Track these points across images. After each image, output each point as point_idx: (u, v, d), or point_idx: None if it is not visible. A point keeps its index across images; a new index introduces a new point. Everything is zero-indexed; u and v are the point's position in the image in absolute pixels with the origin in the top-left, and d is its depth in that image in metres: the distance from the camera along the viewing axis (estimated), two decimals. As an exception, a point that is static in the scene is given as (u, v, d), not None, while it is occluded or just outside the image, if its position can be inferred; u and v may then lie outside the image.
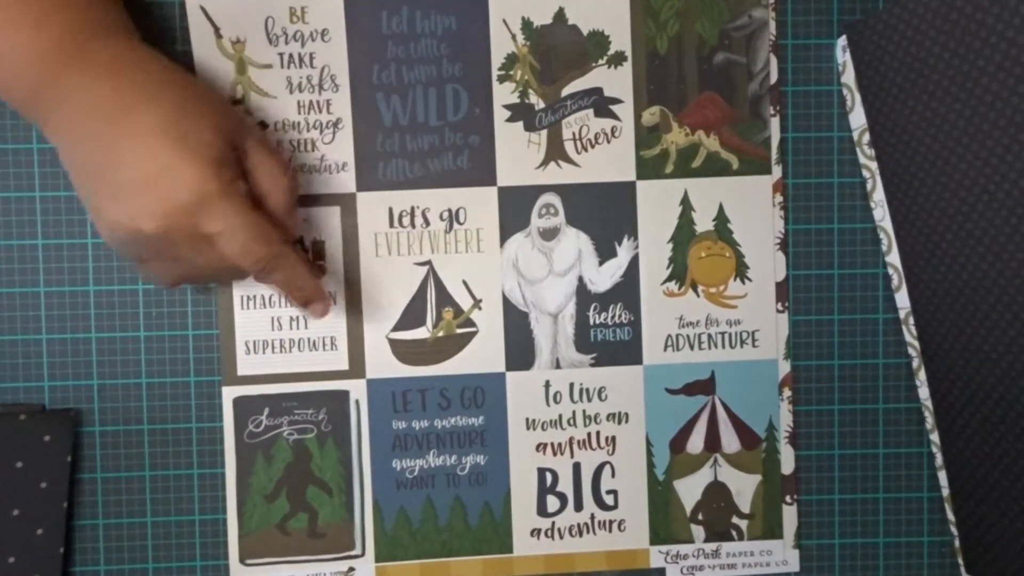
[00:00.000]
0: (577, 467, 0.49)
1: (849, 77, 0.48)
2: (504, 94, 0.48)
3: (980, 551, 0.46)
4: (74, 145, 0.37)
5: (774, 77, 0.49)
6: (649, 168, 0.48)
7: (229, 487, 0.48)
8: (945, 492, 0.48)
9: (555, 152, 0.48)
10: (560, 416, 0.49)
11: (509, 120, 0.48)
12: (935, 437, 0.48)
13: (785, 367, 0.49)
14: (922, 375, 0.48)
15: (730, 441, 0.49)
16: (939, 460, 0.48)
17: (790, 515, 0.49)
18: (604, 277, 0.49)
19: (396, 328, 0.48)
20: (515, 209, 0.48)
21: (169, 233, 0.36)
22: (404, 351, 0.48)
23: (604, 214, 0.48)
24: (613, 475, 0.49)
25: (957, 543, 0.48)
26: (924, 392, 0.48)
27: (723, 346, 0.49)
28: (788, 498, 0.49)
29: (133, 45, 0.39)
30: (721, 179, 0.49)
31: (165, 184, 0.36)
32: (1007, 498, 0.44)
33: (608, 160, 0.48)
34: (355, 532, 0.48)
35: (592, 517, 0.49)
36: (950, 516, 0.48)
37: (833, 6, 0.49)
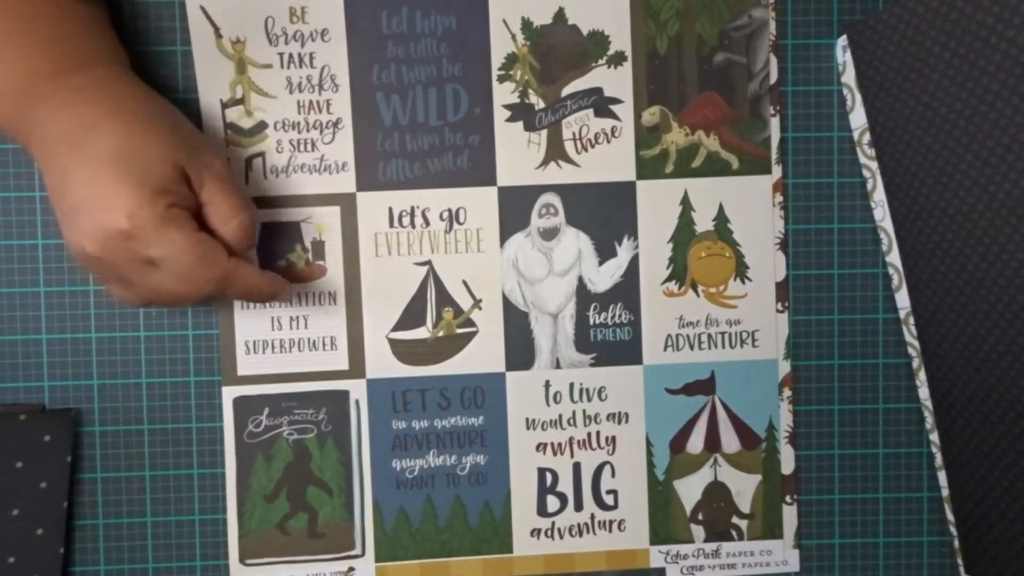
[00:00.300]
0: (577, 467, 0.49)
1: (849, 77, 0.48)
2: (504, 94, 0.48)
3: (980, 551, 0.46)
4: (43, 171, 0.39)
5: (774, 77, 0.49)
6: (649, 168, 0.48)
7: (229, 487, 0.48)
8: (945, 492, 0.48)
9: (555, 152, 0.48)
10: (560, 416, 0.49)
11: (509, 120, 0.48)
12: (935, 437, 0.48)
13: (785, 367, 0.49)
14: (922, 375, 0.48)
15: (730, 441, 0.49)
16: (939, 460, 0.48)
17: (790, 515, 0.49)
18: (604, 277, 0.49)
19: (396, 328, 0.48)
20: (515, 209, 0.48)
21: (109, 256, 0.38)
22: (404, 351, 0.48)
23: (604, 214, 0.48)
24: (613, 475, 0.49)
25: (956, 543, 0.48)
26: (924, 392, 0.48)
27: (723, 346, 0.49)
28: (788, 498, 0.49)
29: (111, 72, 0.40)
30: (721, 179, 0.49)
31: (100, 208, 0.37)
32: (1007, 498, 0.44)
33: (608, 160, 0.48)
34: (355, 532, 0.48)
35: (592, 517, 0.49)
36: (950, 516, 0.48)
37: (833, 6, 0.49)
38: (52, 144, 0.38)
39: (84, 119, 0.38)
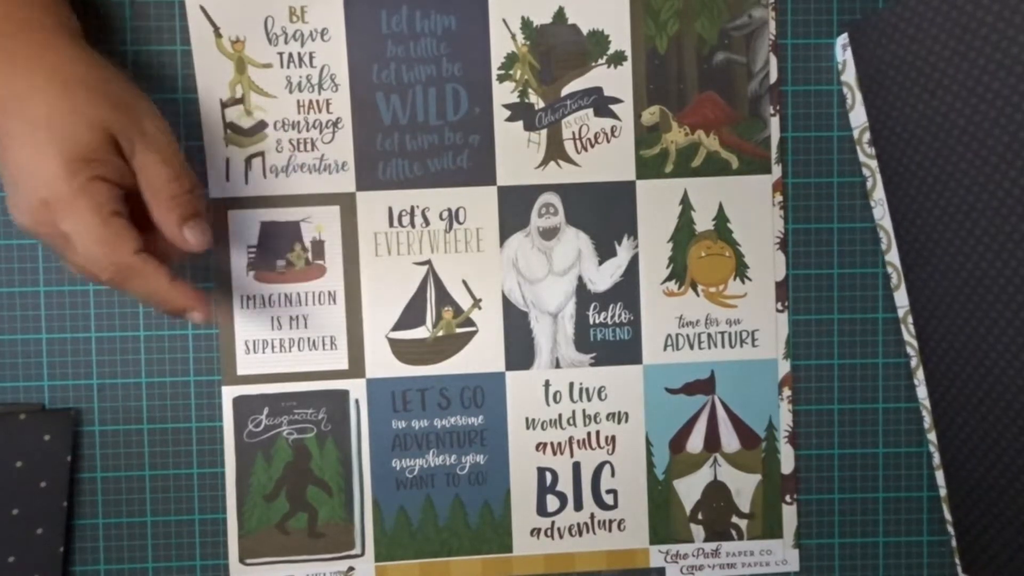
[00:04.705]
0: (577, 467, 0.49)
1: (849, 75, 0.48)
2: (504, 94, 0.48)
3: (977, 551, 0.46)
4: None
5: (774, 76, 0.49)
6: (649, 168, 0.48)
7: (229, 487, 0.48)
8: (943, 492, 0.48)
9: (555, 152, 0.48)
10: (560, 416, 0.49)
11: (509, 120, 0.48)
12: (932, 436, 0.48)
13: (785, 367, 0.49)
14: (920, 374, 0.48)
15: (730, 441, 0.49)
16: (937, 460, 0.48)
17: (790, 515, 0.49)
18: (604, 277, 0.49)
19: (396, 328, 0.48)
20: (515, 209, 0.48)
21: (37, 228, 0.37)
22: (404, 351, 0.48)
23: (604, 214, 0.48)
24: (613, 475, 0.49)
25: (954, 543, 0.48)
26: (922, 391, 0.48)
27: (723, 346, 0.49)
28: (788, 498, 0.49)
29: (49, 40, 0.38)
30: (721, 179, 0.49)
31: (27, 179, 0.37)
32: (1004, 498, 0.44)
33: (608, 160, 0.48)
34: (355, 532, 0.48)
35: (592, 517, 0.49)
36: (947, 516, 0.48)
37: (833, 5, 0.49)
38: None
39: (16, 87, 0.37)
